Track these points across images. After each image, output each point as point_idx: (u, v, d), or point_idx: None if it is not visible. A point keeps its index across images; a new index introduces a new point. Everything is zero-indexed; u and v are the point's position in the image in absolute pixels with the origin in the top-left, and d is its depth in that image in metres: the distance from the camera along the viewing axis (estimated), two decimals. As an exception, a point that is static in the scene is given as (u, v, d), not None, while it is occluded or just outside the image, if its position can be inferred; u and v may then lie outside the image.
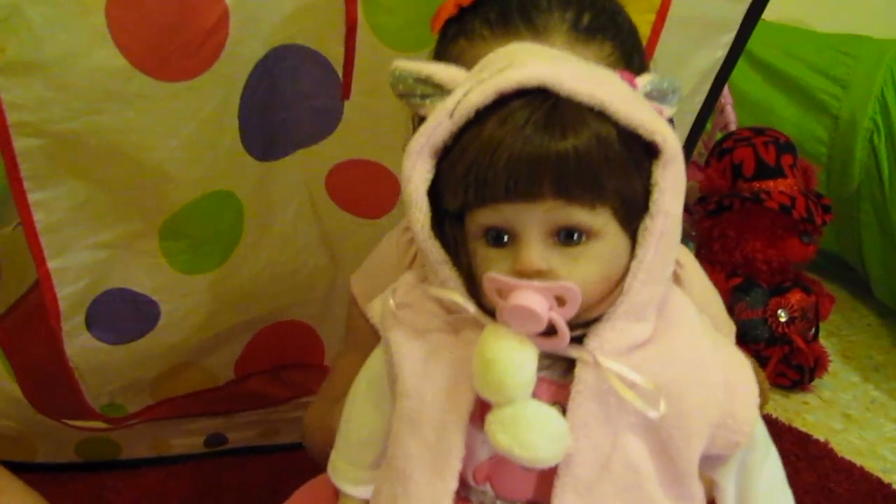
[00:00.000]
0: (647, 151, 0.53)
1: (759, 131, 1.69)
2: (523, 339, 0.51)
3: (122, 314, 1.01)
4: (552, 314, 0.50)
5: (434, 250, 0.55)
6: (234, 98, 0.92)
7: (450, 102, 0.53)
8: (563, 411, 0.53)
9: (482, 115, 0.52)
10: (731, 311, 1.63)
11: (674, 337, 0.55)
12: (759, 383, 1.54)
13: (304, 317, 1.23)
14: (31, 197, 0.86)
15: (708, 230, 1.69)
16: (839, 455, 1.47)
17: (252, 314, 1.16)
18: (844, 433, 1.57)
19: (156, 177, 0.90)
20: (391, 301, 0.58)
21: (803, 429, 1.55)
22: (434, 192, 0.55)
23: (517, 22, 0.69)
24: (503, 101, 0.51)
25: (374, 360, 0.63)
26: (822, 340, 1.84)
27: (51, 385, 1.07)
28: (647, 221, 0.52)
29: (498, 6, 0.70)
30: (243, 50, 0.90)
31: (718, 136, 1.83)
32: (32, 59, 0.79)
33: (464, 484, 0.57)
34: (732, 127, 1.83)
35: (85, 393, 1.08)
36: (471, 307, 0.54)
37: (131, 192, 0.91)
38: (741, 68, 2.01)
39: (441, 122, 0.53)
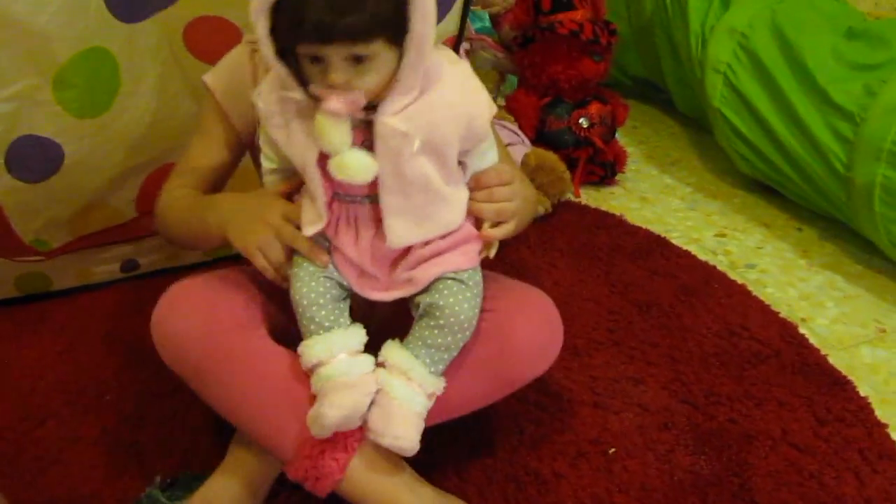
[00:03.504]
0: None
1: (554, -27, 1.96)
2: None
3: (34, 156, 1.27)
4: (350, 107, 0.84)
5: (281, 69, 0.87)
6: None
7: None
8: (371, 147, 0.88)
9: None
10: (543, 124, 1.96)
11: (434, 92, 0.89)
12: (560, 173, 1.93)
13: (185, 159, 1.50)
14: (-54, 59, 1.11)
15: (521, 60, 1.98)
16: (631, 223, 1.83)
17: (140, 158, 1.42)
18: (639, 210, 1.92)
19: (43, 37, 1.15)
20: (261, 105, 0.92)
21: (607, 210, 1.90)
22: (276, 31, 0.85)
23: None
24: None
25: None
26: (630, 148, 2.20)
27: (-14, 226, 1.34)
28: (408, 39, 0.84)
29: None
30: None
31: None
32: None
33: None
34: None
35: (15, 228, 1.35)
36: (309, 101, 0.87)
37: (27, 50, 1.16)
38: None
39: None
